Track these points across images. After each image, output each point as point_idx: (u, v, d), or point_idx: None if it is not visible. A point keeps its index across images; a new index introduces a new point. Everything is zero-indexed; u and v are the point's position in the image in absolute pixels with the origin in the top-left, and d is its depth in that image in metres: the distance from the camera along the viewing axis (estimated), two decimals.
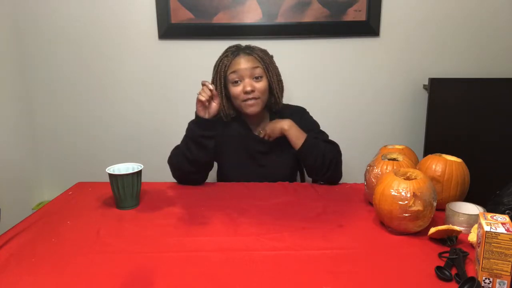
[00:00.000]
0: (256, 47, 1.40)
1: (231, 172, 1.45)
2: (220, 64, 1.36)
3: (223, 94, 1.37)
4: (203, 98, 1.28)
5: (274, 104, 1.42)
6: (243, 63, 1.33)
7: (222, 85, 1.37)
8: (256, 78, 1.34)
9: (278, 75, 1.41)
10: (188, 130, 1.33)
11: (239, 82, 1.34)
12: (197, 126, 1.31)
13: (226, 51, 1.39)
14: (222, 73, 1.35)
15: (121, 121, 1.99)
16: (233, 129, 1.44)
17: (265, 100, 1.38)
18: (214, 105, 1.31)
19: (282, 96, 1.42)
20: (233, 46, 1.40)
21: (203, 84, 1.31)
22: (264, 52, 1.39)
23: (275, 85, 1.38)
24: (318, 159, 1.32)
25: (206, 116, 1.31)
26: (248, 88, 1.32)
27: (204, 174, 1.37)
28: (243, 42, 1.46)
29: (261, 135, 1.41)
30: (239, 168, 1.44)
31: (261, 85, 1.34)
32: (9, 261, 0.88)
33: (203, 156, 1.31)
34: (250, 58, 1.34)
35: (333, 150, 1.34)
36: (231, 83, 1.35)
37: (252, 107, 1.35)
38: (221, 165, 1.49)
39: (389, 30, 1.85)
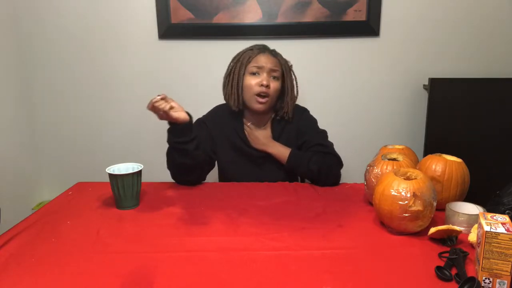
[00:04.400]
0: (280, 54, 1.45)
1: (231, 172, 1.46)
2: (244, 55, 1.40)
3: (240, 84, 1.39)
4: (164, 111, 1.16)
5: (282, 111, 1.43)
6: (267, 61, 1.38)
7: (241, 75, 1.39)
8: (274, 77, 1.38)
9: (293, 85, 1.45)
10: (167, 138, 1.27)
11: (257, 74, 1.37)
12: (171, 134, 1.25)
13: (253, 46, 1.43)
14: (244, 62, 1.39)
15: (121, 121, 1.99)
16: (233, 129, 1.45)
17: (273, 101, 1.41)
18: (174, 103, 1.19)
19: (293, 105, 1.44)
20: (260, 44, 1.45)
21: (153, 106, 1.15)
22: (286, 61, 1.45)
23: (288, 92, 1.42)
24: (304, 172, 1.37)
25: (186, 117, 1.22)
26: (265, 82, 1.35)
27: (197, 176, 1.35)
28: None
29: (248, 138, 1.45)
30: (238, 169, 1.45)
31: (275, 85, 1.39)
32: (9, 261, 0.88)
33: (187, 160, 1.28)
34: (274, 59, 1.40)
35: (319, 160, 1.34)
36: (249, 74, 1.38)
37: (260, 104, 1.37)
38: (221, 165, 1.49)
39: (389, 30, 1.85)
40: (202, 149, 1.33)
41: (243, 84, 1.39)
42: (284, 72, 1.41)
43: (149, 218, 1.10)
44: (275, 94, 1.40)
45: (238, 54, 1.43)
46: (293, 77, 1.45)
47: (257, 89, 1.36)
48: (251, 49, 1.42)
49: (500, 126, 1.75)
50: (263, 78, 1.36)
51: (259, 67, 1.37)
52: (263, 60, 1.37)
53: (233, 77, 1.40)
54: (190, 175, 1.33)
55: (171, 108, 1.17)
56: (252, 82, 1.37)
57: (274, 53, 1.43)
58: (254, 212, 1.12)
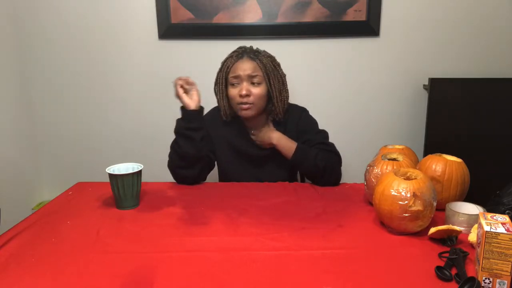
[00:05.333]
0: (263, 52, 1.40)
1: (230, 173, 1.47)
2: (224, 64, 1.39)
3: (224, 94, 1.39)
4: (179, 88, 1.27)
5: (273, 113, 1.41)
6: (244, 68, 1.34)
7: (224, 85, 1.39)
8: (254, 83, 1.35)
9: (281, 83, 1.40)
10: (175, 126, 1.33)
11: (236, 84, 1.36)
12: (182, 120, 1.31)
13: (233, 52, 1.40)
14: (224, 73, 1.38)
15: (121, 121, 1.99)
16: (232, 130, 1.45)
17: (260, 106, 1.38)
18: (194, 92, 1.29)
19: (283, 106, 1.41)
20: (241, 48, 1.41)
21: (176, 80, 1.29)
22: (270, 59, 1.39)
23: (275, 94, 1.38)
24: (309, 168, 1.34)
25: (192, 105, 1.28)
26: (243, 92, 1.33)
27: (197, 171, 1.35)
28: (244, 43, 1.46)
29: (255, 140, 1.44)
30: (237, 169, 1.45)
31: (258, 90, 1.35)
32: (9, 261, 0.88)
33: (191, 148, 1.30)
34: (252, 64, 1.35)
35: (325, 157, 1.33)
36: (230, 85, 1.37)
37: (246, 111, 1.36)
38: (221, 166, 1.49)
39: (389, 30, 1.85)
40: (206, 144, 1.34)
41: (227, 95, 1.39)
42: (267, 74, 1.36)
43: (149, 218, 1.10)
44: (260, 99, 1.36)
45: (222, 62, 1.41)
46: (280, 76, 1.40)
47: (238, 99, 1.35)
48: (231, 55, 1.39)
49: (500, 126, 1.75)
50: (242, 87, 1.34)
51: (237, 77, 1.35)
52: (240, 68, 1.34)
53: (219, 88, 1.40)
54: (192, 168, 1.33)
55: (183, 88, 1.28)
56: (233, 93, 1.36)
57: (253, 56, 1.37)
58: (254, 212, 1.12)
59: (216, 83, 1.42)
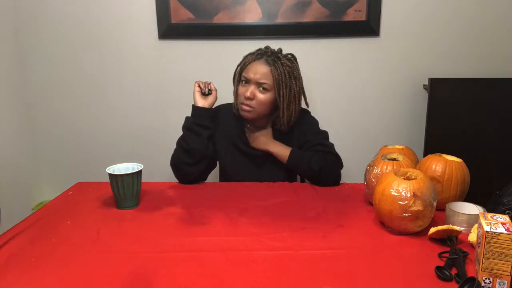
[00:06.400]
0: (284, 60, 1.35)
1: (231, 171, 1.47)
2: (244, 60, 1.40)
3: (236, 88, 1.41)
4: (200, 86, 1.39)
5: (277, 122, 1.41)
6: (255, 72, 1.34)
7: (237, 80, 1.41)
8: (262, 89, 1.34)
9: (293, 97, 1.36)
10: (184, 122, 1.38)
11: (245, 84, 1.37)
12: (191, 115, 1.37)
13: (257, 49, 1.40)
14: (240, 69, 1.40)
15: (121, 121, 1.99)
16: (234, 127, 1.45)
17: (261, 112, 1.38)
18: (211, 97, 1.39)
19: (289, 119, 1.38)
20: (263, 49, 1.39)
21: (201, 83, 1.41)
22: (289, 69, 1.34)
23: (283, 105, 1.35)
24: (305, 171, 1.36)
25: (206, 105, 1.37)
26: (247, 94, 1.34)
27: (202, 168, 1.37)
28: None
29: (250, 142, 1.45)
30: (237, 168, 1.45)
31: (262, 97, 1.35)
32: (9, 261, 0.88)
33: (198, 144, 1.33)
34: (265, 69, 1.33)
35: (320, 159, 1.33)
36: (241, 81, 1.39)
37: (245, 113, 1.37)
38: (222, 164, 1.50)
39: (389, 30, 1.85)
40: (211, 143, 1.38)
41: (237, 90, 1.40)
42: (277, 83, 1.33)
43: (149, 218, 1.10)
44: (263, 106, 1.36)
45: (244, 56, 1.42)
46: (293, 89, 1.36)
47: (242, 99, 1.36)
48: (252, 53, 1.40)
49: (500, 126, 1.75)
50: (247, 89, 1.34)
51: (247, 78, 1.35)
52: (253, 70, 1.34)
53: (234, 81, 1.42)
54: (197, 165, 1.34)
55: (200, 89, 1.39)
56: (240, 91, 1.37)
57: (270, 61, 1.34)
58: (254, 212, 1.12)
59: (233, 76, 1.43)
